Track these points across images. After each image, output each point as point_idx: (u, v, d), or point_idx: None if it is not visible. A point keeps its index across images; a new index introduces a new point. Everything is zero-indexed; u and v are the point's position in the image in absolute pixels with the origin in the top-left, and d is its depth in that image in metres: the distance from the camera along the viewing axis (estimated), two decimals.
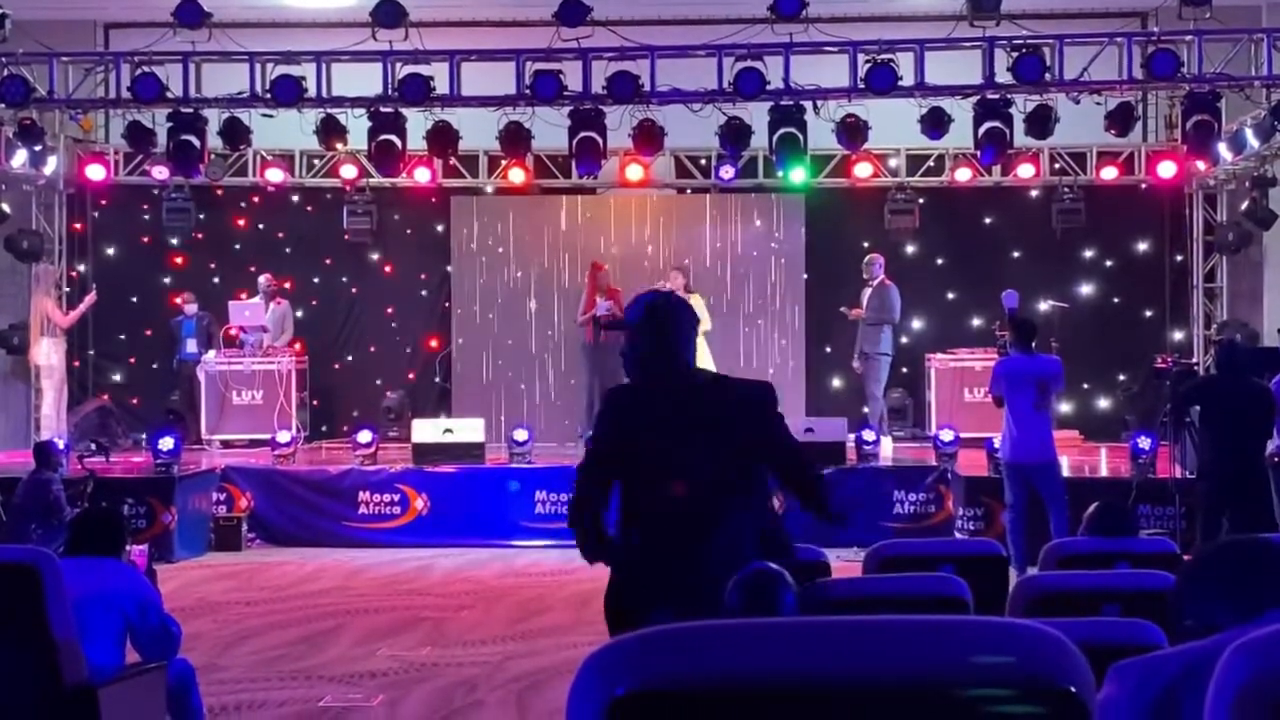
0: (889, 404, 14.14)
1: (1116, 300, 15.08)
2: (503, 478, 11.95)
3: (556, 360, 14.76)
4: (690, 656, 1.53)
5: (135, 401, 15.24)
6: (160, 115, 12.65)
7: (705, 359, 12.83)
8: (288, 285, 15.02)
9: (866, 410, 13.55)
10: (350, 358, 15.55)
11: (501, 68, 12.32)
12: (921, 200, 14.85)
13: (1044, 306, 14.10)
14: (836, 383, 14.84)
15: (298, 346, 14.56)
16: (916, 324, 14.28)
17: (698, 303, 12.88)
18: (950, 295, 15.16)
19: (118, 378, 15.38)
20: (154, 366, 15.11)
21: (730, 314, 14.57)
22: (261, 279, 14.49)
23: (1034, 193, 14.90)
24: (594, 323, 13.73)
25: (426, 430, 12.26)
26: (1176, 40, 11.88)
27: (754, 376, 15.15)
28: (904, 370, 14.48)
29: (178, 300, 14.71)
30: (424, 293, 15.62)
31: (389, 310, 15.60)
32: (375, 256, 15.53)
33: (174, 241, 15.27)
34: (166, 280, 15.25)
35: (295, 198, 15.37)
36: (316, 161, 14.95)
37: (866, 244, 14.45)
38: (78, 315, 14.17)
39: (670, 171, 15.10)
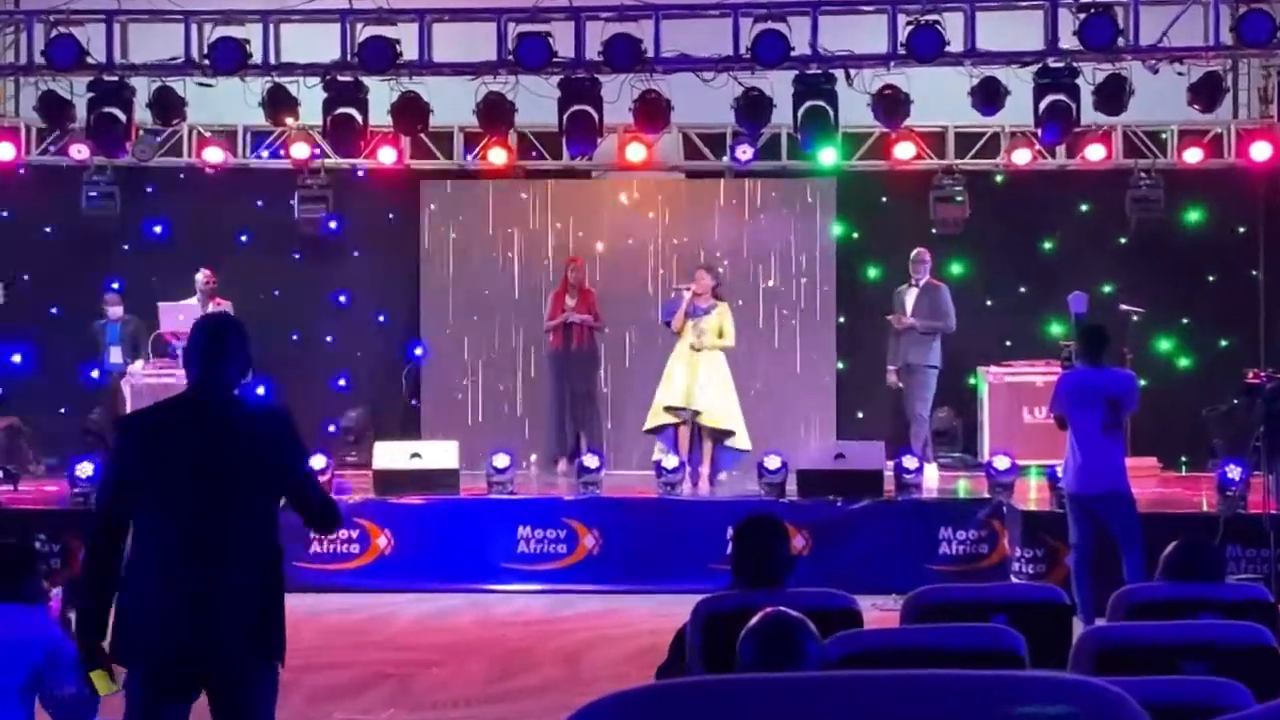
0: (935, 425, 14.14)
1: (1202, 304, 15.07)
2: (481, 511, 11.94)
3: (545, 374, 14.72)
4: (700, 713, 1.53)
5: (49, 420, 15.22)
6: (80, 84, 12.67)
7: (724, 375, 12.81)
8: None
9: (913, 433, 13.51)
10: (303, 371, 15.54)
11: (480, 29, 12.35)
12: (973, 187, 14.84)
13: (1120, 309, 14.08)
14: (872, 400, 14.83)
15: None
16: (966, 332, 14.25)
17: (724, 313, 12.90)
18: (1006, 298, 15.15)
19: (27, 392, 15.36)
20: (71, 379, 15.10)
21: (747, 319, 14.54)
22: (198, 276, 14.47)
23: (1105, 178, 14.89)
24: (564, 327, 13.83)
25: (391, 455, 12.27)
26: None
27: (775, 391, 15.00)
28: (952, 386, 14.44)
29: (100, 302, 14.72)
30: (389, 293, 15.63)
31: (347, 314, 15.62)
32: (331, 250, 15.53)
33: (95, 232, 15.28)
34: (87, 278, 15.24)
35: (238, 181, 15.37)
36: (263, 139, 14.97)
37: (908, 238, 14.43)
38: None
39: (678, 152, 15.12)
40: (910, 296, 13.68)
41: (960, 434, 14.71)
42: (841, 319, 15.12)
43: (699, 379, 12.71)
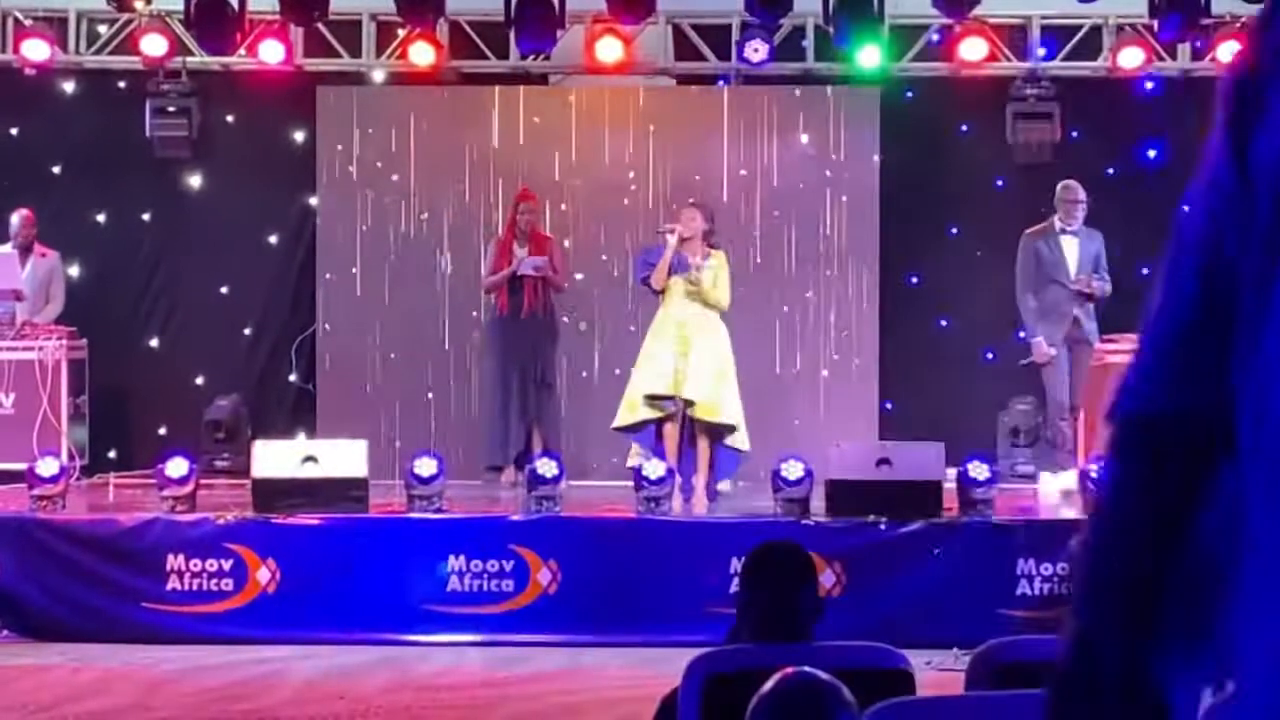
0: (1012, 421, 14.25)
1: None
2: (398, 535, 11.92)
3: (486, 349, 14.69)
4: None
5: None
6: None
7: (723, 353, 12.75)
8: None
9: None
10: (155, 342, 15.50)
11: None
12: (1065, 98, 14.83)
13: None
14: (926, 388, 14.83)
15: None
16: None
17: (720, 263, 12.82)
18: (1111, 248, 15.14)
19: None
20: None
21: (759, 277, 14.56)
22: (14, 217, 14.44)
23: None
24: (513, 284, 13.76)
25: (275, 458, 12.23)
26: None
27: (797, 376, 15.03)
28: (1035, 369, 14.44)
29: None
30: (273, 238, 15.62)
31: (218, 266, 15.55)
32: (196, 181, 15.49)
33: None
34: None
35: (69, 86, 15.31)
36: (103, 29, 14.90)
37: (977, 167, 14.41)
38: None
39: (666, 50, 15.08)
40: (1072, 247, 13.47)
41: (1047, 433, 14.74)
42: (886, 277, 15.15)
43: (691, 358, 12.61)
